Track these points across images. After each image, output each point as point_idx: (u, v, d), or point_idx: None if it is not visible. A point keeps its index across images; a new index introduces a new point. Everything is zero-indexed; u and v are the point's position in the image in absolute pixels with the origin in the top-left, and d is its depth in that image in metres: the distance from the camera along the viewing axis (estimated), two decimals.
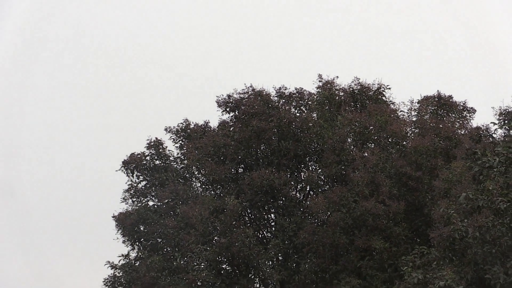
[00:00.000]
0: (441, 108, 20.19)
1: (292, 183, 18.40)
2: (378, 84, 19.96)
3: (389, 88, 19.89)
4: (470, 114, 20.19)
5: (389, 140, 19.14)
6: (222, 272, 17.17)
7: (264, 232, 18.90)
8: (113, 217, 17.58)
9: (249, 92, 18.61)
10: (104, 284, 16.91)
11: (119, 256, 17.51)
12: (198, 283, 16.30)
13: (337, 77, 19.78)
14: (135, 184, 17.88)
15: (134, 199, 17.96)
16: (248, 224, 18.34)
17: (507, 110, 15.92)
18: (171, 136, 18.81)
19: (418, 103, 20.09)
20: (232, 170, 18.18)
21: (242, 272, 17.05)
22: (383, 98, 20.13)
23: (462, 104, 20.26)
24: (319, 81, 19.62)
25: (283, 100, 18.61)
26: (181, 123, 18.81)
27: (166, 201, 17.53)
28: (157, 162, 18.24)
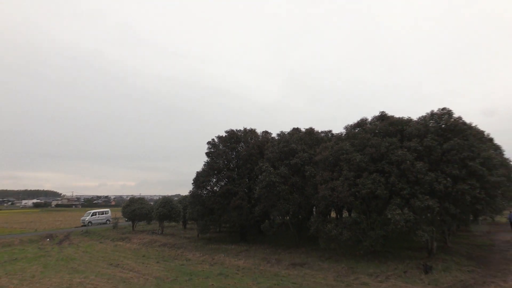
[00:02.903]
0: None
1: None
2: (252, 128, 58.16)
3: (255, 129, 56.09)
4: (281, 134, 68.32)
5: (266, 141, 59.38)
6: None
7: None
8: (205, 152, 56.69)
9: (233, 130, 50.21)
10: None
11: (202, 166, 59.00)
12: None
13: (251, 127, 58.44)
14: (210, 149, 57.96)
15: (209, 149, 57.07)
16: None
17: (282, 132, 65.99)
18: (217, 138, 55.59)
19: (281, 132, 65.56)
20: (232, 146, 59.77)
21: None
22: (255, 132, 56.20)
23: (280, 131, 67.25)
24: (248, 129, 56.46)
25: (243, 132, 51.32)
26: (217, 135, 54.31)
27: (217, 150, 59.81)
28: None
